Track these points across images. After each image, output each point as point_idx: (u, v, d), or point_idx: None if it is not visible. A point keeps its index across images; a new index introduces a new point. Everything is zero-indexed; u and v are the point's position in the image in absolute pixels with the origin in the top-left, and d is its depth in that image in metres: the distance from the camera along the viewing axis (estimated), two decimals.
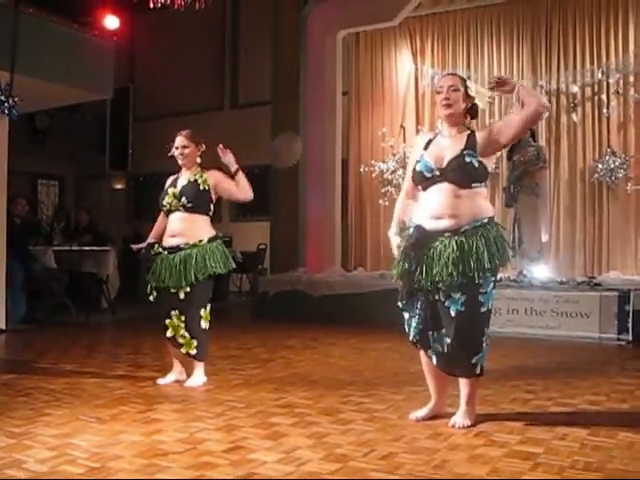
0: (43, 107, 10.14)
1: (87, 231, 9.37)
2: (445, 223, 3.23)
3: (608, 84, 8.98)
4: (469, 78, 3.69)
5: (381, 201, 10.27)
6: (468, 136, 3.31)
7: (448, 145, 3.32)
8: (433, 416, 3.48)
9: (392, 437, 3.18)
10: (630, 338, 6.36)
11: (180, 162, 4.50)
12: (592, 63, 9.09)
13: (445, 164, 3.26)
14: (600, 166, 8.89)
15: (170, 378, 4.50)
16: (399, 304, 3.46)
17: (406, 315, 3.47)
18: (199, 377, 4.44)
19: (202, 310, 4.41)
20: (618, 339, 6.42)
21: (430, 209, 3.28)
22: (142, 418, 3.55)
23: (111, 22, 9.84)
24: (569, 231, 9.17)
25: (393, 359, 5.51)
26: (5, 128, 7.20)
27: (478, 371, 3.33)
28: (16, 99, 6.96)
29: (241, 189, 4.50)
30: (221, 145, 4.47)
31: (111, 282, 8.97)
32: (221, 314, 9.76)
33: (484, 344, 3.30)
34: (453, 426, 3.31)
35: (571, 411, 3.71)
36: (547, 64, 9.37)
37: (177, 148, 4.46)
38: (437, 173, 3.27)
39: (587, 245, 9.07)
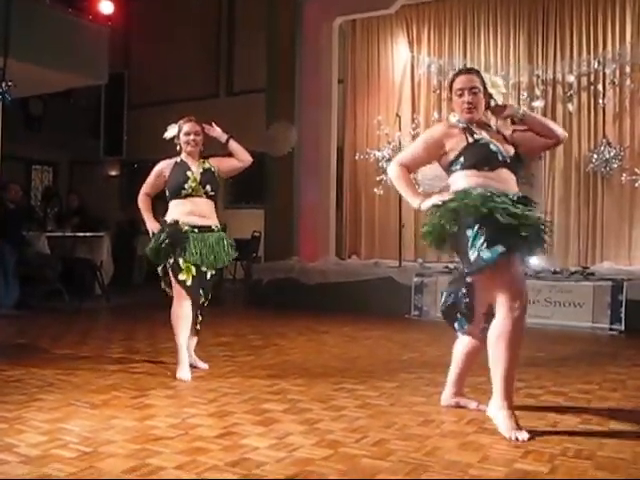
0: (36, 92, 10.10)
1: (76, 214, 9.33)
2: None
3: (604, 74, 8.96)
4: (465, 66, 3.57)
5: (376, 189, 10.26)
6: (503, 135, 3.34)
7: (494, 138, 3.29)
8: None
9: (384, 424, 3.19)
10: (622, 328, 6.39)
11: (189, 148, 4.43)
12: (589, 53, 9.06)
13: (512, 154, 3.28)
14: (595, 156, 8.89)
15: (188, 368, 4.31)
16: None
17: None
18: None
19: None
20: (610, 329, 6.45)
21: (506, 187, 3.20)
22: (135, 404, 3.55)
23: (106, 7, 9.78)
24: (563, 221, 9.17)
25: (386, 347, 5.53)
26: None
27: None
28: (10, 83, 6.91)
29: (239, 157, 4.55)
30: (206, 126, 4.49)
31: (105, 268, 8.96)
32: (214, 301, 9.75)
33: None
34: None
35: (562, 400, 3.73)
36: (543, 53, 9.34)
37: (189, 134, 4.42)
38: (508, 160, 3.25)
39: (581, 235, 9.08)
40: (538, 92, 9.28)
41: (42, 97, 12.02)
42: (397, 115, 9.97)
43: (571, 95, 9.14)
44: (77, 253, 8.75)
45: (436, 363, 4.58)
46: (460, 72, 3.41)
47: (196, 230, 4.33)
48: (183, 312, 4.32)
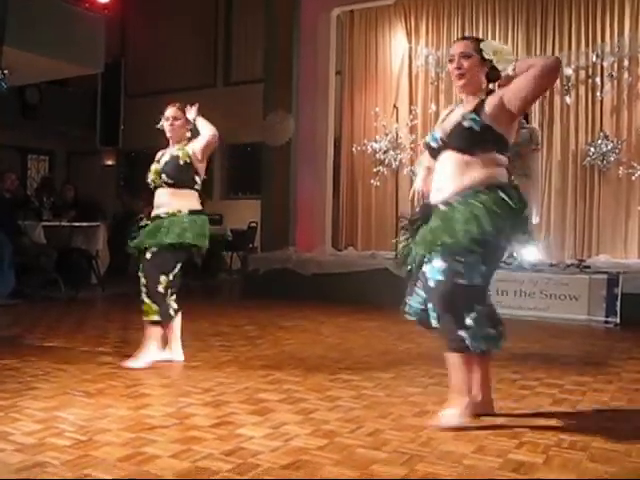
0: (32, 81, 10.06)
1: (72, 207, 9.32)
2: (443, 194, 3.06)
3: (602, 67, 8.95)
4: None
5: (373, 181, 10.26)
6: (480, 101, 3.06)
7: (458, 113, 3.11)
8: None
9: (379, 414, 3.20)
10: (618, 321, 6.40)
11: (168, 134, 4.42)
12: (587, 46, 9.05)
13: (456, 127, 3.05)
14: (592, 149, 8.89)
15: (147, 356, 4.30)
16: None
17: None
18: (179, 348, 4.41)
19: (162, 276, 4.28)
20: (606, 322, 6.45)
21: (435, 180, 3.14)
22: (130, 393, 3.55)
23: None
24: (560, 214, 9.19)
25: (382, 338, 5.53)
26: None
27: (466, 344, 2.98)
28: (5, 71, 6.88)
29: (203, 131, 4.39)
30: (187, 107, 4.44)
31: (101, 258, 8.95)
32: (211, 291, 9.78)
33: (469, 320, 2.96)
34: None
35: (557, 391, 3.73)
36: (542, 46, 9.32)
37: (167, 119, 4.41)
38: (441, 143, 3.10)
39: (577, 228, 9.09)
40: None
41: (38, 86, 11.97)
42: (394, 107, 9.97)
43: (569, 88, 9.13)
44: (73, 243, 8.72)
45: (431, 354, 4.58)
46: (455, 40, 3.26)
47: (149, 222, 4.37)
48: None
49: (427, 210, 3.18)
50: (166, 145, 4.53)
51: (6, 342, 5.07)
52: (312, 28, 9.52)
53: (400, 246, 3.27)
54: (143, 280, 4.31)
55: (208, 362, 4.39)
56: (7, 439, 2.75)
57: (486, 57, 3.04)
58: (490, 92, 3.09)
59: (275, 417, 3.13)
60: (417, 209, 3.30)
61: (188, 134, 4.46)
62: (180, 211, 4.32)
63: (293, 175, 9.47)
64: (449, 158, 3.07)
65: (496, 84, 3.12)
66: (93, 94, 13.33)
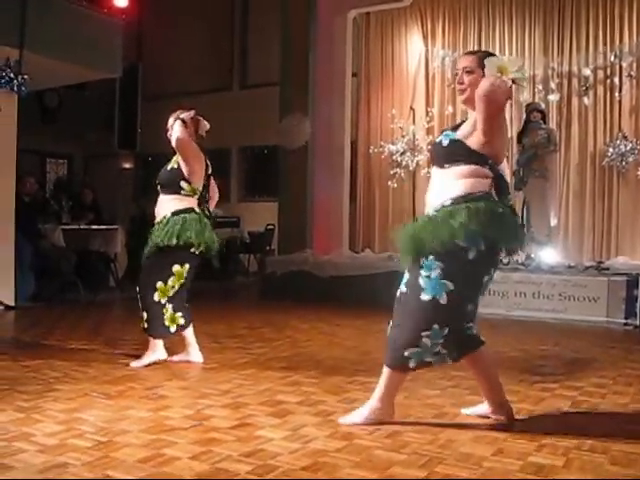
0: (51, 85, 10.13)
1: (90, 210, 9.39)
2: (428, 209, 3.09)
3: (621, 67, 8.88)
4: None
5: (390, 183, 10.25)
6: (466, 118, 3.12)
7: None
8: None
9: (398, 416, 3.19)
10: (637, 323, 6.35)
11: (172, 144, 4.40)
12: (605, 45, 8.97)
13: (443, 143, 3.07)
14: (611, 150, 8.82)
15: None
16: None
17: None
18: (148, 357, 4.38)
19: (159, 283, 4.31)
20: (625, 324, 6.41)
21: (431, 192, 3.15)
22: (149, 394, 3.58)
23: (120, 0, 9.79)
24: (578, 215, 9.12)
25: None
26: (14, 106, 7.20)
27: (409, 365, 3.03)
28: (25, 76, 6.95)
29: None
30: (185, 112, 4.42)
31: (119, 260, 9.01)
32: (228, 294, 9.82)
33: (424, 339, 2.96)
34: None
35: (577, 394, 3.71)
36: (559, 46, 9.27)
37: (167, 130, 4.41)
38: (434, 155, 3.17)
39: (596, 229, 9.03)
40: (553, 85, 9.22)
41: (57, 90, 12.07)
42: (411, 108, 9.96)
43: (587, 88, 9.07)
44: (91, 246, 8.80)
45: None
46: (462, 54, 3.27)
47: None
48: None
49: None
50: None
51: (26, 344, 5.12)
52: (328, 30, 9.53)
53: None
54: (137, 289, 4.42)
55: (226, 364, 4.42)
56: (29, 440, 2.78)
57: (491, 74, 2.92)
58: None
59: (294, 419, 3.14)
60: None
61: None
62: (165, 216, 4.36)
63: (310, 177, 9.47)
64: (433, 174, 3.15)
65: None
66: (111, 98, 13.40)
